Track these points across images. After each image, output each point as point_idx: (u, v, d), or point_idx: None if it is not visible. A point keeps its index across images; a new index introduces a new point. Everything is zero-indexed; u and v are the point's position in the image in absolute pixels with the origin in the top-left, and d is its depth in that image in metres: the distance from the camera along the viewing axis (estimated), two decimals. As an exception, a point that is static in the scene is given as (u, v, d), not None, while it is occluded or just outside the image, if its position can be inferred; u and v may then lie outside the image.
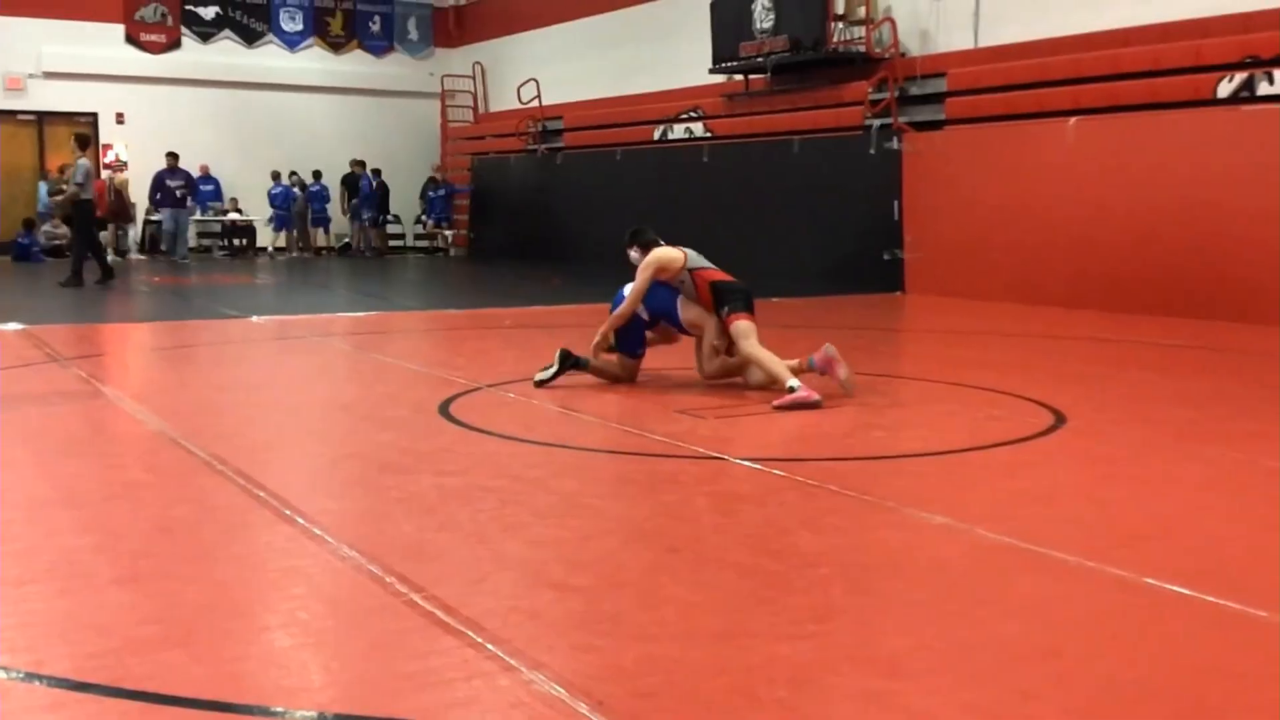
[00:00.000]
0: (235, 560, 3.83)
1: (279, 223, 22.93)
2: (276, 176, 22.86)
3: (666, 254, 7.01)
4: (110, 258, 20.90)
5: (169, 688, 2.70)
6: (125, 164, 21.71)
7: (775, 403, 6.32)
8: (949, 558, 3.80)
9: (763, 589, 3.50)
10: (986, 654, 2.97)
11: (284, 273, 19.20)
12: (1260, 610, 3.21)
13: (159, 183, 20.52)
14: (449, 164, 24.04)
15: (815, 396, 6.30)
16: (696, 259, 7.03)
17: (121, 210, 21.32)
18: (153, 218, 21.50)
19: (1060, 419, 6.02)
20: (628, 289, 7.11)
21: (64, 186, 21.06)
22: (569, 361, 7.08)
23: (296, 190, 22.92)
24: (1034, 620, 3.21)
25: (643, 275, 6.97)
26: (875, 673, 2.82)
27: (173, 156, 20.49)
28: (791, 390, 6.31)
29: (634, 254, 7.14)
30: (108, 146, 22.63)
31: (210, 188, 22.55)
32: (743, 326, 6.75)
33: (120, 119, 22.61)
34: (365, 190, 22.83)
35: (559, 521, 4.24)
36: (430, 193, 23.44)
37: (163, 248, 21.10)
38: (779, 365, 6.54)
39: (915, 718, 2.59)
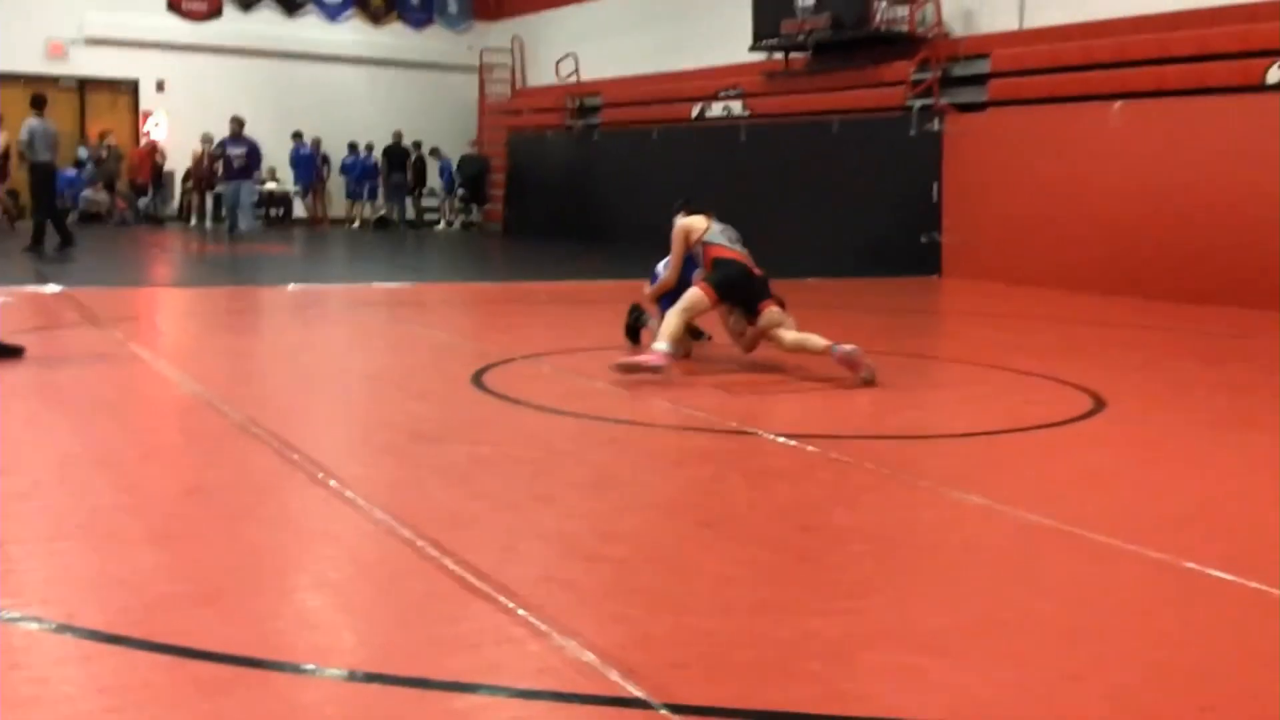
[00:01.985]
0: (267, 522, 3.82)
1: (355, 193, 23.22)
2: (353, 148, 23.08)
3: (689, 221, 6.96)
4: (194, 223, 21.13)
5: (199, 643, 2.69)
6: (212, 137, 21.46)
7: (616, 361, 6.30)
8: (986, 537, 3.75)
9: (796, 564, 3.46)
10: (1026, 634, 2.92)
11: (319, 243, 19.27)
12: (1306, 598, 3.15)
13: (220, 152, 19.19)
14: (486, 139, 24.00)
15: (657, 362, 6.16)
16: (717, 235, 6.86)
17: (210, 177, 21.25)
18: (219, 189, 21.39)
19: (1100, 404, 5.93)
20: (661, 265, 7.09)
21: (103, 153, 21.36)
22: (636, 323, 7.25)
23: (374, 159, 23.21)
24: (1074, 602, 3.16)
25: (675, 246, 6.96)
26: (912, 649, 2.78)
27: (237, 123, 18.69)
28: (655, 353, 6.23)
29: (678, 220, 7.09)
30: (148, 114, 22.76)
31: (251, 157, 22.69)
32: (691, 293, 6.56)
33: (161, 87, 22.72)
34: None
35: (592, 493, 4.22)
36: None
37: (223, 216, 19.71)
38: (671, 331, 6.38)
39: (955, 695, 2.55)
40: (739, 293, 6.67)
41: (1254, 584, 3.25)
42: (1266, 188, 10.45)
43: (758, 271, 6.79)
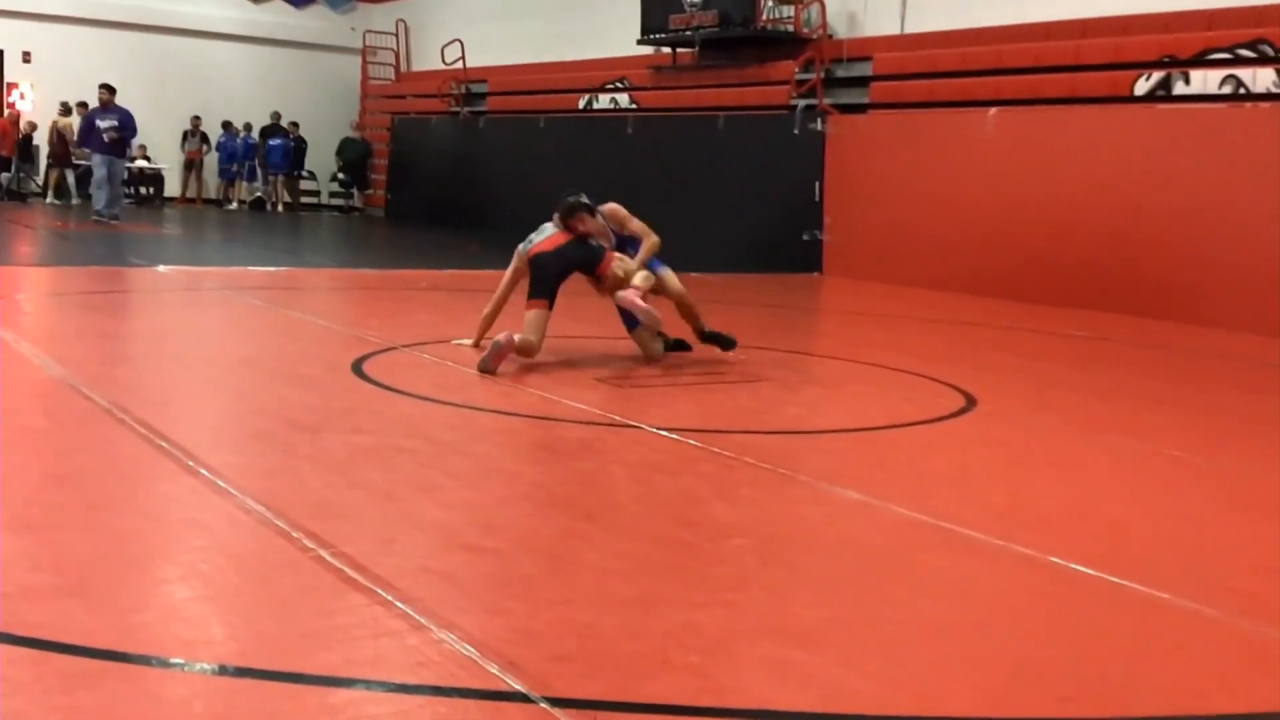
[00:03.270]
0: (135, 511, 3.71)
1: (229, 174, 22.79)
2: (228, 127, 22.72)
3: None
4: (50, 200, 20.20)
5: (61, 636, 2.60)
6: (72, 107, 20.51)
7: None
8: (862, 533, 3.82)
9: (677, 558, 3.48)
10: (897, 628, 2.99)
11: (192, 224, 18.74)
12: (1161, 592, 3.28)
13: (89, 123, 16.95)
14: (368, 122, 23.64)
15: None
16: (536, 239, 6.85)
17: (64, 151, 20.37)
18: (81, 162, 20.50)
19: (971, 402, 6.10)
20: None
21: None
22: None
23: (250, 140, 22.88)
24: (944, 596, 3.24)
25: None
26: (787, 643, 2.82)
27: (107, 90, 16.84)
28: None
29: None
30: (13, 85, 21.87)
31: (120, 134, 21.97)
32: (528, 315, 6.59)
33: (26, 58, 21.84)
34: (283, 145, 22.58)
35: (473, 484, 4.18)
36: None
37: (89, 193, 17.73)
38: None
39: (825, 688, 2.59)
40: (552, 275, 6.62)
41: (1115, 579, 3.37)
42: (1132, 196, 10.85)
43: (563, 239, 6.70)
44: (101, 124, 16.55)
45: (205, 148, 22.85)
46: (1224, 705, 2.65)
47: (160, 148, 22.38)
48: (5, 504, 3.64)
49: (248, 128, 22.84)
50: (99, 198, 16.60)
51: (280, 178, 22.83)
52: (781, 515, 4.02)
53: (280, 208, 22.72)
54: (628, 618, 2.93)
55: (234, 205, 22.62)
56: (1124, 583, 3.35)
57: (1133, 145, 10.92)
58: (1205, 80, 10.72)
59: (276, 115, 22.70)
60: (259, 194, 22.95)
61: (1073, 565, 3.48)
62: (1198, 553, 3.82)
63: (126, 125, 16.81)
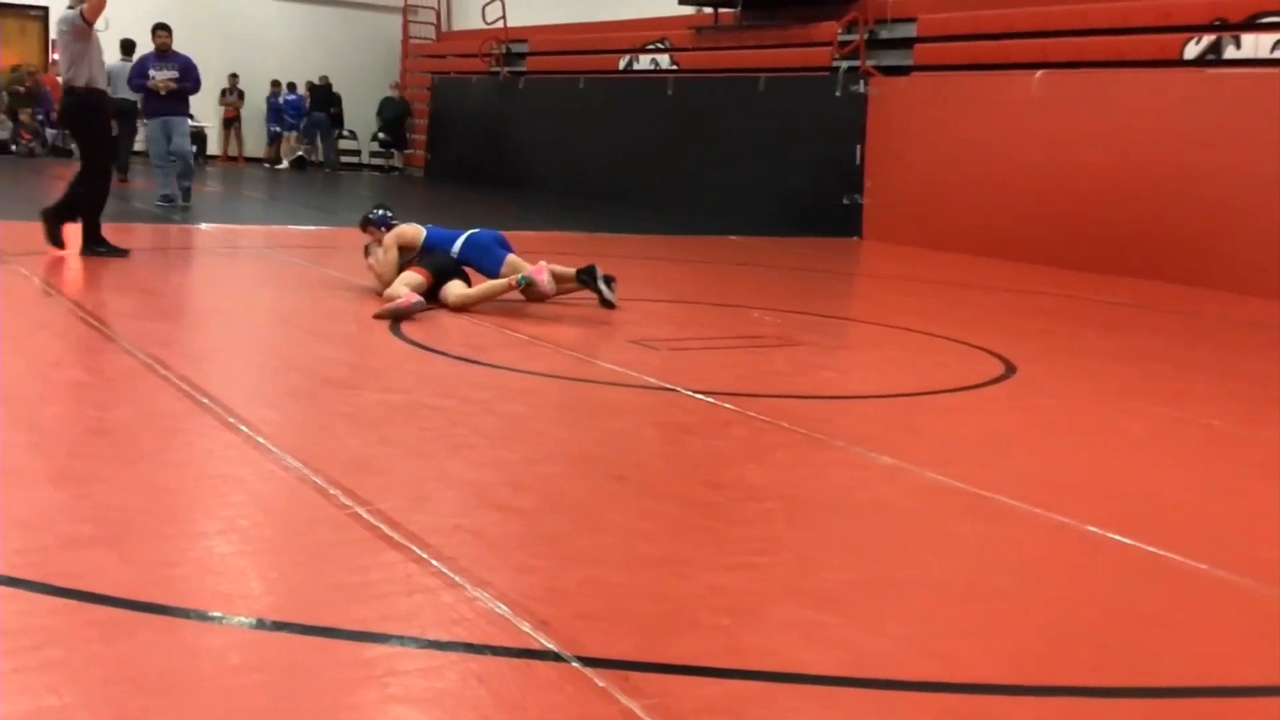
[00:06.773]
0: (174, 465, 3.76)
1: (307, 133, 23.09)
2: (293, 87, 23.10)
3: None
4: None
5: (100, 587, 2.65)
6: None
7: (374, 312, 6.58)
8: (893, 497, 3.82)
9: (706, 519, 3.49)
10: (924, 592, 2.99)
11: (234, 182, 18.85)
12: (1198, 563, 3.26)
13: (141, 74, 12.72)
14: (408, 81, 23.63)
15: (413, 300, 6.59)
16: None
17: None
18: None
19: (1010, 369, 6.06)
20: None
21: (19, 88, 20.65)
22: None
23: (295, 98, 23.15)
24: (973, 562, 3.24)
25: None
26: (813, 605, 2.83)
27: (165, 31, 12.95)
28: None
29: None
30: (57, 41, 22.01)
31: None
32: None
33: (71, 13, 21.95)
34: (294, 103, 22.97)
35: (505, 444, 4.21)
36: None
37: (154, 164, 13.05)
38: (396, 286, 6.87)
39: (851, 651, 2.60)
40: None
41: (1146, 547, 3.36)
42: (1180, 163, 10.68)
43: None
44: (158, 74, 12.56)
45: (241, 103, 23.01)
46: (1254, 676, 2.64)
47: (200, 105, 22.42)
48: (48, 457, 3.71)
49: (292, 86, 22.96)
50: (163, 174, 12.83)
51: (288, 135, 23.04)
52: (811, 478, 4.02)
53: (325, 167, 22.85)
54: (656, 578, 2.95)
55: (284, 165, 22.72)
56: (1155, 551, 3.33)
57: (1181, 111, 10.73)
58: (1257, 44, 10.50)
59: (325, 79, 22.85)
60: (300, 153, 23.02)
61: (1104, 533, 3.47)
62: (1231, 522, 3.79)
63: (189, 75, 12.83)
